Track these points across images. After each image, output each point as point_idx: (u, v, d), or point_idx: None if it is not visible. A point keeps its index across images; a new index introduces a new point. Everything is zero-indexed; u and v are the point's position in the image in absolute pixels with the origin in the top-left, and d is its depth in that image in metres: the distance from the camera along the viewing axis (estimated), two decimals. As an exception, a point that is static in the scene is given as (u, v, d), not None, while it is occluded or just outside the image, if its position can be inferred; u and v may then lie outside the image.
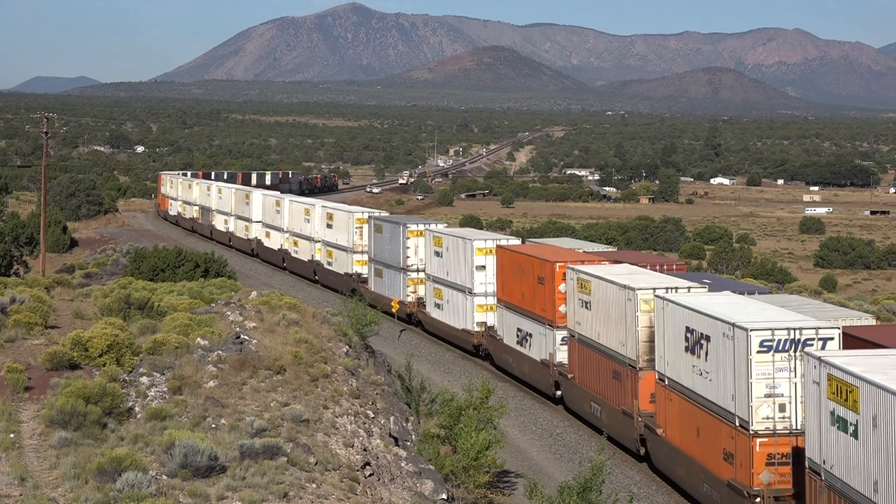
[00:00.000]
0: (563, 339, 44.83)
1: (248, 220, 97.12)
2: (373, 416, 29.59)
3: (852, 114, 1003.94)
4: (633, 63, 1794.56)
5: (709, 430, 31.97)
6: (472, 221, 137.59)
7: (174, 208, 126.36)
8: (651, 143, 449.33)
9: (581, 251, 50.27)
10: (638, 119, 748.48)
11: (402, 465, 27.67)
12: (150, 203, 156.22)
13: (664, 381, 35.20)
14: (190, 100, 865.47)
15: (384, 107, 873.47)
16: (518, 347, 49.45)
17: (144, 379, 26.68)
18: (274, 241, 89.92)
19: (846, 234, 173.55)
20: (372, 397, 32.07)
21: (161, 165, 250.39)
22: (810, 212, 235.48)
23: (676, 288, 37.06)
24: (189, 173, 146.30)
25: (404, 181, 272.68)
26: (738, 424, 30.24)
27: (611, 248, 61.91)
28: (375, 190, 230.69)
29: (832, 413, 25.01)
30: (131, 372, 27.18)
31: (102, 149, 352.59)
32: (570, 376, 43.89)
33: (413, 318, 63.51)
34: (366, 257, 71.21)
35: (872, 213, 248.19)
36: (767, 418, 29.60)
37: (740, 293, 36.80)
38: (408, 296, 63.48)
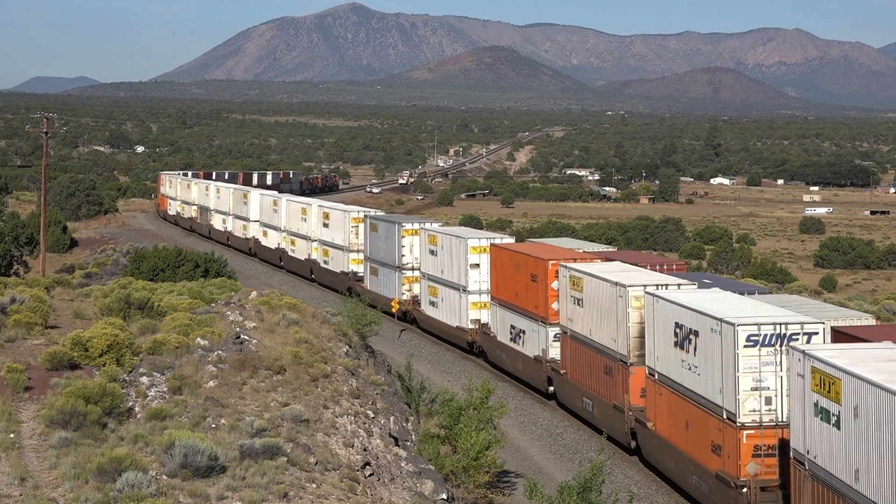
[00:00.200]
0: (555, 336, 45.65)
1: (245, 219, 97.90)
2: (373, 416, 29.59)
3: (852, 114, 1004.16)
4: (633, 63, 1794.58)
5: (697, 423, 32.69)
6: (472, 221, 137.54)
7: (173, 208, 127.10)
8: (651, 143, 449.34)
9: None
10: (638, 119, 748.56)
11: (402, 465, 27.67)
12: (150, 203, 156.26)
13: (654, 376, 35.97)
14: (190, 100, 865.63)
15: (384, 107, 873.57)
16: (511, 344, 50.13)
17: (144, 379, 26.68)
18: (271, 241, 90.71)
19: (846, 234, 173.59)
20: (372, 397, 32.06)
21: (161, 165, 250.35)
22: (810, 212, 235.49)
23: (666, 285, 37.91)
24: (190, 173, 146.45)
25: (404, 181, 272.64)
26: (725, 417, 30.91)
27: (611, 248, 61.97)
28: (375, 190, 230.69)
29: (816, 404, 25.72)
30: (131, 372, 27.17)
31: (102, 149, 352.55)
32: (562, 372, 44.60)
33: (408, 316, 64.18)
34: (362, 256, 71.89)
35: (872, 213, 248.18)
36: (754, 411, 30.30)
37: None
38: (403, 294, 64.23)
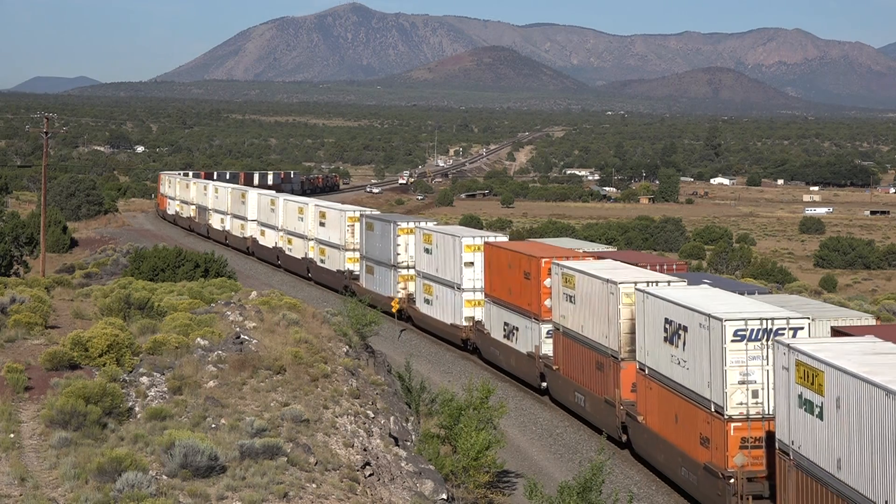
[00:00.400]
0: (548, 333, 46.42)
1: (243, 218, 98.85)
2: (373, 416, 29.58)
3: (852, 114, 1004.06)
4: (633, 63, 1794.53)
5: (686, 417, 33.42)
6: (472, 221, 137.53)
7: (172, 207, 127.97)
8: (651, 143, 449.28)
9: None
10: (638, 119, 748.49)
11: (402, 465, 27.67)
12: (150, 203, 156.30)
13: (644, 371, 36.67)
14: (190, 100, 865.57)
15: (384, 107, 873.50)
16: (505, 341, 50.89)
17: (144, 379, 26.67)
18: (269, 240, 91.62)
19: (846, 234, 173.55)
20: (372, 397, 32.06)
21: (161, 165, 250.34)
22: (810, 212, 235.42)
23: (657, 282, 38.72)
24: (191, 173, 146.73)
25: (404, 181, 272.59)
26: (713, 410, 31.61)
27: (611, 248, 62.08)
28: (375, 190, 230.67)
29: (800, 396, 26.47)
30: (131, 372, 27.17)
31: (102, 149, 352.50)
32: (555, 368, 45.31)
33: (403, 314, 64.79)
34: (357, 255, 72.71)
35: (872, 213, 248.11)
36: (741, 404, 30.97)
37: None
38: (398, 292, 65.01)
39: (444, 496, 27.23)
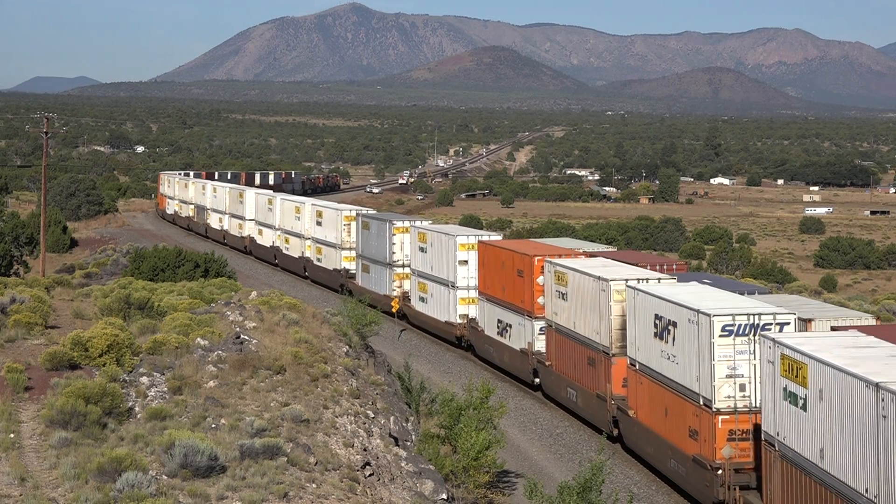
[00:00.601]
0: (541, 329, 47.22)
1: (241, 218, 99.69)
2: (373, 416, 29.58)
3: (852, 114, 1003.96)
4: (633, 63, 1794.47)
5: (675, 410, 34.16)
6: (472, 221, 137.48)
7: (171, 207, 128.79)
8: (651, 143, 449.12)
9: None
10: (638, 119, 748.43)
11: (402, 465, 27.67)
12: (150, 203, 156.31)
13: (635, 366, 37.50)
14: (190, 100, 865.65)
15: (384, 107, 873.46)
16: (499, 338, 51.62)
17: (144, 379, 26.67)
18: (266, 239, 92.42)
19: (846, 234, 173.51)
20: (372, 397, 32.06)
21: (161, 165, 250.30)
22: (810, 212, 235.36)
23: (647, 279, 39.52)
24: (192, 173, 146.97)
25: (404, 181, 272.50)
26: (702, 403, 32.36)
27: (611, 248, 62.20)
28: (375, 190, 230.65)
29: (785, 389, 27.23)
30: (131, 372, 27.17)
31: (102, 149, 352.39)
32: (547, 364, 46.11)
33: (398, 312, 65.35)
34: (353, 253, 73.45)
35: (872, 213, 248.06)
36: (729, 397, 31.72)
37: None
38: (393, 290, 65.75)
39: (444, 496, 27.23)
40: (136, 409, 24.73)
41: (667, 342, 34.42)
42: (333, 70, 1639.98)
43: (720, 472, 31.27)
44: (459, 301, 56.90)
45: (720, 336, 31.46)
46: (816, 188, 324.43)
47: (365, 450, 26.23)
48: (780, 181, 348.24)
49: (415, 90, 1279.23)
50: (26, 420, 23.51)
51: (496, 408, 35.85)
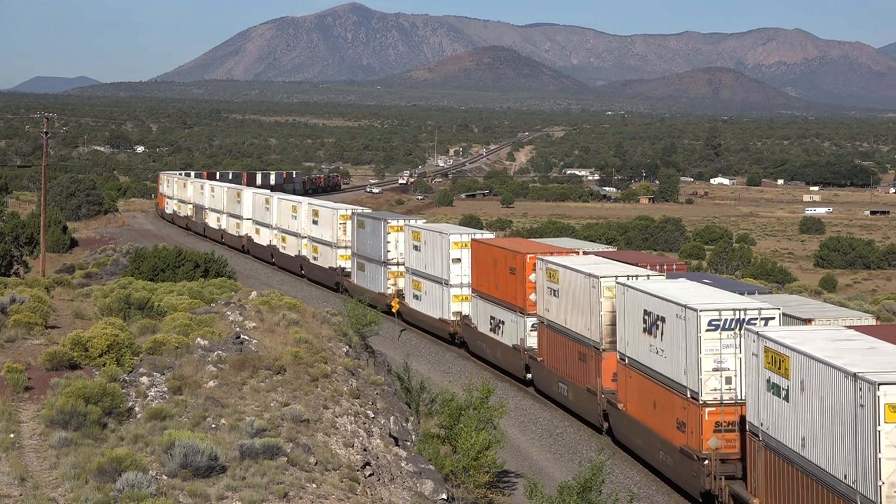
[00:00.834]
0: (532, 326, 48.19)
1: (239, 217, 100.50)
2: (373, 416, 29.59)
3: (852, 114, 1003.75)
4: (633, 63, 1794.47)
5: (664, 403, 35.20)
6: (472, 221, 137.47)
7: (170, 207, 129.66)
8: (651, 143, 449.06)
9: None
10: (638, 119, 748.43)
11: (402, 465, 27.67)
12: (150, 203, 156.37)
13: (625, 361, 38.48)
14: (190, 100, 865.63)
15: (384, 107, 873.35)
16: (491, 334, 52.53)
17: (144, 379, 26.68)
18: (263, 238, 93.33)
19: (846, 234, 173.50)
20: (372, 397, 32.06)
21: (161, 165, 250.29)
22: (810, 212, 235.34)
23: (637, 276, 40.46)
24: (192, 173, 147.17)
25: (404, 181, 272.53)
26: (689, 396, 33.29)
27: (611, 248, 62.31)
28: (375, 190, 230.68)
29: (768, 381, 28.14)
30: (131, 372, 27.17)
31: (102, 149, 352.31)
32: (539, 359, 47.04)
33: (398, 312, 65.81)
34: (349, 252, 74.09)
35: (872, 213, 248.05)
36: (715, 390, 32.61)
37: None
38: (388, 288, 66.57)
39: (444, 496, 27.23)
40: (136, 409, 24.73)
41: (655, 337, 35.29)
42: (333, 70, 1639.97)
43: (707, 462, 32.11)
44: (453, 298, 57.83)
45: (707, 330, 32.31)
46: (816, 188, 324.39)
47: (365, 450, 26.24)
48: (780, 181, 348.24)
49: (415, 90, 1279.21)
50: (26, 420, 23.52)
51: (496, 408, 35.90)
